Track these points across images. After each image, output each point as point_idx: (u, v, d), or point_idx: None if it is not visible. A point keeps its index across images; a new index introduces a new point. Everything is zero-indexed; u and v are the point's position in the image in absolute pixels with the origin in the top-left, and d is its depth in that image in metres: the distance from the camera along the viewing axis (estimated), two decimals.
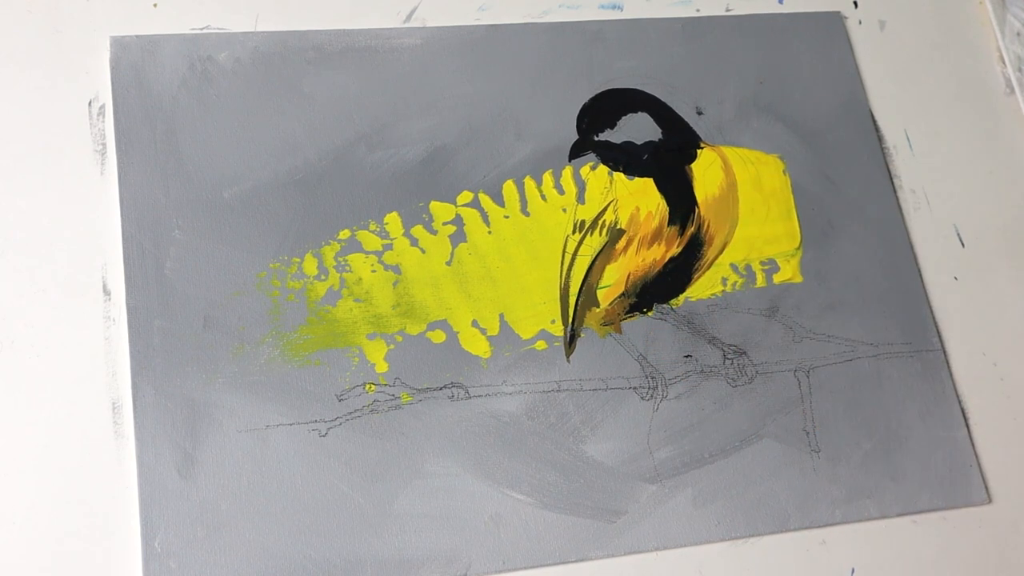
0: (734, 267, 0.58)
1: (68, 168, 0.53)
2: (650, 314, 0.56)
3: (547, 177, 0.57)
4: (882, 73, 0.64)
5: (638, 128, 0.59)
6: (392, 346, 0.53)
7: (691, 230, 0.57)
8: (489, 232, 0.56)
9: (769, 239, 0.58)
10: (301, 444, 0.50)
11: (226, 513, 0.48)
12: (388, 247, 0.54)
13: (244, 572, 0.48)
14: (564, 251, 0.56)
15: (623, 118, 0.59)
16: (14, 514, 0.47)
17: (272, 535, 0.48)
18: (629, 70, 0.60)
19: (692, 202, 0.58)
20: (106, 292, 0.51)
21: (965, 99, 0.65)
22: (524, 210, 0.56)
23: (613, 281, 0.56)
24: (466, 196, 0.56)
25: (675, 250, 0.57)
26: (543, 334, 0.54)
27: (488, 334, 0.54)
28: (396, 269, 0.54)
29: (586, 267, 0.56)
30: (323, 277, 0.53)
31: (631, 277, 0.56)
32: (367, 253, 0.54)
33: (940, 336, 0.58)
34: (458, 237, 0.55)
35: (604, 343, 0.55)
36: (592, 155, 0.58)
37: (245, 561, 0.48)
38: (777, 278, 0.58)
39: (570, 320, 0.55)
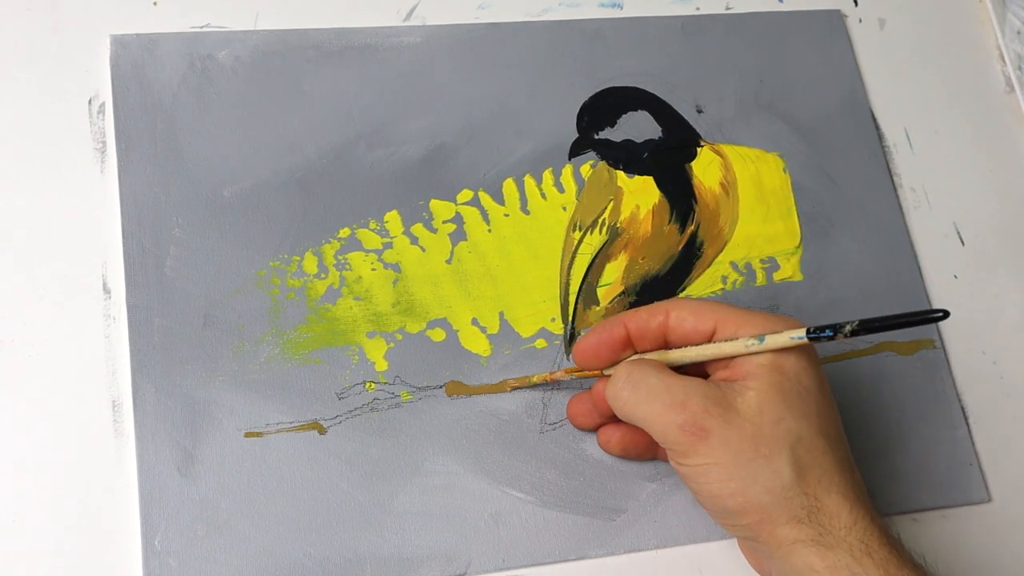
0: (734, 265, 0.58)
1: (68, 166, 0.53)
2: None
3: (547, 175, 0.57)
4: (882, 71, 0.64)
5: (638, 126, 0.59)
6: (392, 344, 0.53)
7: (691, 228, 0.58)
8: (489, 230, 0.56)
9: (769, 237, 0.58)
10: (301, 442, 0.50)
11: (226, 511, 0.48)
12: (388, 245, 0.54)
13: (244, 570, 0.48)
14: (564, 249, 0.56)
15: (623, 116, 0.59)
16: (14, 512, 0.47)
17: (272, 533, 0.48)
18: (629, 68, 0.60)
19: (692, 200, 0.58)
20: (106, 290, 0.51)
21: (965, 98, 0.65)
22: (524, 208, 0.56)
23: (613, 279, 0.56)
24: (466, 194, 0.56)
25: (675, 248, 0.57)
26: (543, 332, 0.54)
27: (488, 332, 0.54)
28: (396, 267, 0.54)
29: (586, 265, 0.56)
30: (323, 275, 0.53)
31: (631, 275, 0.56)
32: (367, 251, 0.54)
33: (940, 334, 0.58)
34: (458, 235, 0.55)
35: None
36: (592, 153, 0.58)
37: (245, 559, 0.48)
38: (777, 276, 0.58)
39: (570, 318, 0.55)
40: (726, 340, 0.46)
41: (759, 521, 0.44)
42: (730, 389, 0.45)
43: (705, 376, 0.47)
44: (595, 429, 0.52)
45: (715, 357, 0.46)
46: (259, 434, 0.50)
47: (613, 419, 0.50)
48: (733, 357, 0.46)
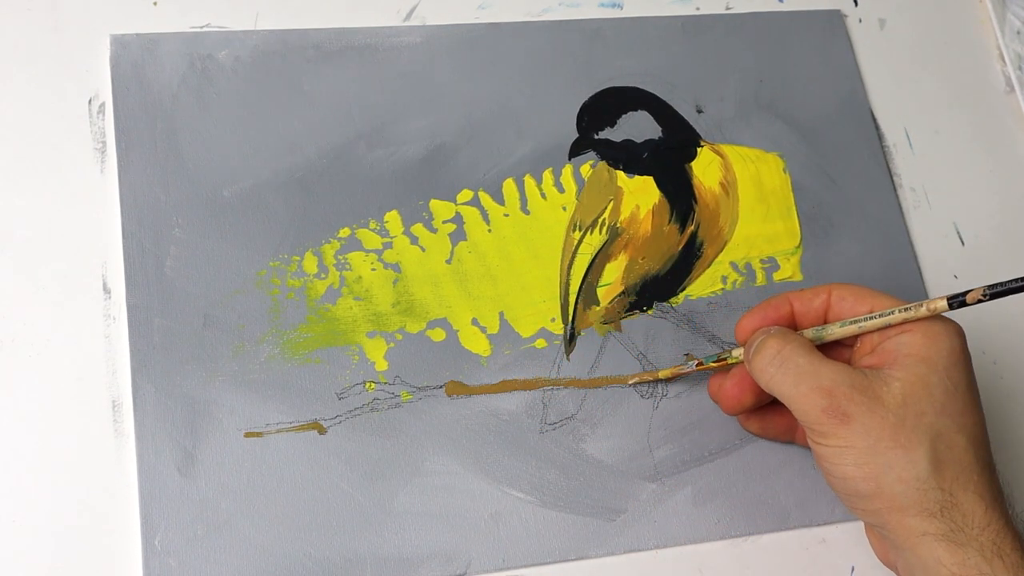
0: (734, 265, 0.58)
1: (68, 166, 0.53)
2: (650, 312, 0.56)
3: (547, 175, 0.57)
4: (882, 71, 0.64)
5: (638, 126, 0.59)
6: (392, 344, 0.53)
7: (691, 228, 0.58)
8: (489, 230, 0.56)
9: (769, 237, 0.58)
10: (301, 442, 0.50)
11: (226, 511, 0.48)
12: (388, 245, 0.54)
13: (244, 570, 0.48)
14: (564, 249, 0.56)
15: (623, 116, 0.59)
16: (14, 512, 0.47)
17: (272, 533, 0.48)
18: (629, 68, 0.60)
19: (692, 200, 0.58)
20: (106, 290, 0.51)
21: (965, 98, 0.65)
22: (524, 208, 0.56)
23: (613, 279, 0.56)
24: (466, 194, 0.56)
25: (675, 248, 0.57)
26: (543, 332, 0.54)
27: (488, 332, 0.54)
28: (396, 267, 0.54)
29: (586, 265, 0.56)
30: (323, 275, 0.53)
31: (631, 275, 0.56)
32: (367, 251, 0.54)
33: None
34: (458, 235, 0.55)
35: (604, 341, 0.55)
36: (592, 153, 0.58)
37: (245, 559, 0.48)
38: (777, 276, 0.58)
39: (570, 318, 0.55)
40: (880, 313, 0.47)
41: (888, 508, 0.44)
42: (876, 378, 0.45)
43: (850, 363, 0.48)
44: (740, 413, 0.52)
45: (870, 329, 0.47)
46: (259, 434, 0.50)
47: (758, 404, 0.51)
48: (890, 326, 0.47)
